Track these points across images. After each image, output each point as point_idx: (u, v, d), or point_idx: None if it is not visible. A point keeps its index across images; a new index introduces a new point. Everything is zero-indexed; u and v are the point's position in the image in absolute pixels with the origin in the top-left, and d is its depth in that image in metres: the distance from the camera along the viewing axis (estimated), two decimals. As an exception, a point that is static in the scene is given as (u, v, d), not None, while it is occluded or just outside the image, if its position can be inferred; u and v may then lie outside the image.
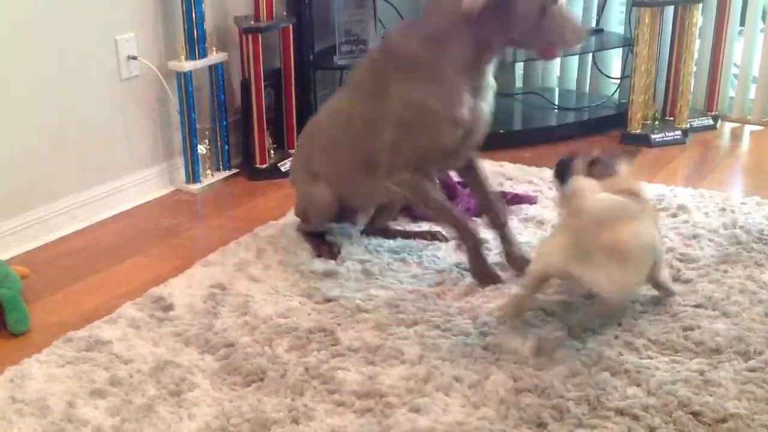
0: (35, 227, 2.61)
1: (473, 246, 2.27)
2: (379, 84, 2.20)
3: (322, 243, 2.48)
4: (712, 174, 3.07)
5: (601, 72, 3.82)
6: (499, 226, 2.35)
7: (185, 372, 1.90)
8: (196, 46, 2.91)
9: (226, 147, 3.12)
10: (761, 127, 3.57)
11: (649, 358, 1.91)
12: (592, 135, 3.47)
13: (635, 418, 1.70)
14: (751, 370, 1.84)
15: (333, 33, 3.37)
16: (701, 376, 1.82)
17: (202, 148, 3.03)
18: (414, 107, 2.15)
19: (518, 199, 2.75)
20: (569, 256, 1.87)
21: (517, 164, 3.11)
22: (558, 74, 3.99)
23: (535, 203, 2.76)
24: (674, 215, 2.63)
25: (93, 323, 2.11)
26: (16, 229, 2.56)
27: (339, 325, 2.07)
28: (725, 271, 2.27)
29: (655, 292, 2.14)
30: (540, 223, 2.62)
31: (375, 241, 2.51)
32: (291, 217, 2.70)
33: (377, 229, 2.56)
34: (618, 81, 3.75)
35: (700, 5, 3.34)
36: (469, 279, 2.29)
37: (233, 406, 1.78)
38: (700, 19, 3.39)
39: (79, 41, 2.67)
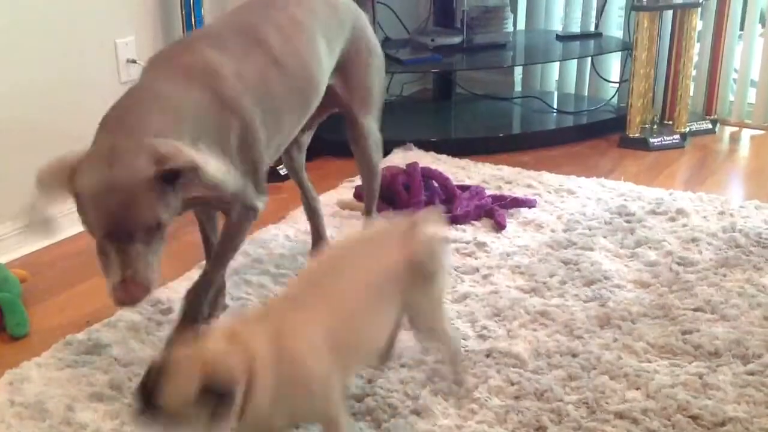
0: (34, 230, 2.60)
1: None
2: None
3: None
4: (711, 178, 3.08)
5: (600, 76, 3.83)
6: None
7: (184, 375, 1.89)
8: (195, 50, 2.91)
9: (226, 150, 3.12)
10: (760, 131, 3.58)
11: (648, 361, 1.91)
12: (591, 139, 3.47)
13: (634, 421, 1.70)
14: (750, 373, 1.84)
15: (332, 37, 3.37)
16: (700, 379, 1.83)
17: (201, 152, 3.03)
18: None
19: (517, 203, 2.75)
20: None
21: (516, 168, 3.12)
22: (557, 78, 4.00)
23: (533, 207, 2.76)
24: (673, 219, 2.64)
25: (92, 326, 2.11)
26: (16, 232, 2.55)
27: (338, 328, 2.07)
28: (724, 275, 2.27)
29: (653, 297, 2.15)
30: (539, 226, 2.63)
31: (374, 244, 2.51)
32: (289, 221, 2.71)
33: None
34: (617, 85, 3.76)
35: (699, 9, 3.34)
36: (469, 282, 2.29)
37: (232, 409, 1.77)
38: (699, 23, 3.40)
39: (79, 44, 2.67)
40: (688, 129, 3.47)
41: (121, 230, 1.58)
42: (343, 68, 2.17)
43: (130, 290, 1.60)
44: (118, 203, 1.55)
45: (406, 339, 2.02)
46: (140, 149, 1.57)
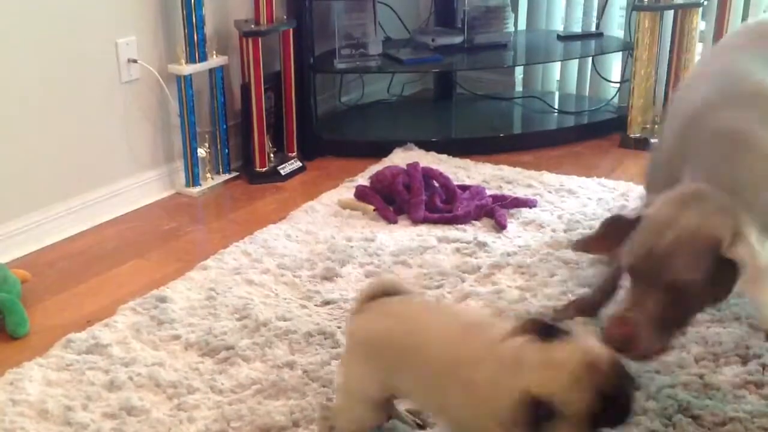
0: (35, 230, 2.60)
1: None
2: None
3: None
4: (712, 178, 3.07)
5: (601, 76, 3.82)
6: None
7: (185, 375, 1.90)
8: (196, 50, 2.91)
9: (226, 150, 3.12)
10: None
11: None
12: (592, 139, 3.47)
13: (635, 421, 1.70)
14: (751, 373, 1.84)
15: (333, 37, 3.37)
16: (701, 379, 1.82)
17: (202, 152, 3.03)
18: None
19: (518, 203, 2.75)
20: None
21: (516, 168, 3.11)
22: (558, 78, 4.00)
23: (534, 206, 2.76)
24: (674, 219, 2.63)
25: (93, 326, 2.10)
26: (17, 232, 2.56)
27: (339, 327, 2.07)
28: (725, 275, 2.27)
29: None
30: (539, 226, 2.62)
31: (375, 243, 2.51)
32: (290, 220, 2.71)
33: None
34: (618, 85, 3.75)
35: (701, 9, 3.34)
36: (469, 282, 2.29)
37: (233, 409, 1.78)
38: (700, 23, 3.39)
39: (80, 44, 2.67)
40: (689, 129, 3.46)
41: (645, 272, 1.49)
42: None
43: (615, 330, 1.49)
44: (663, 246, 1.46)
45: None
46: (723, 213, 1.46)
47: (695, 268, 1.44)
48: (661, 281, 1.46)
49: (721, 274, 1.43)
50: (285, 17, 3.18)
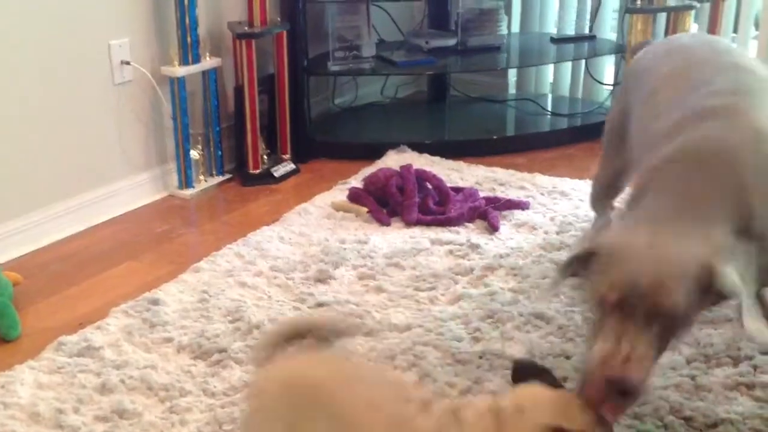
0: (27, 232, 2.60)
1: None
2: None
3: None
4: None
5: (594, 78, 3.83)
6: None
7: (177, 378, 1.89)
8: (189, 52, 2.91)
9: (219, 152, 3.12)
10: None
11: (641, 363, 1.91)
12: (585, 141, 3.47)
13: (627, 424, 1.70)
14: (742, 374, 1.85)
15: (327, 39, 3.38)
16: (692, 381, 1.83)
17: (195, 154, 3.03)
18: None
19: (510, 205, 2.76)
20: None
21: (509, 170, 3.12)
22: (551, 80, 4.01)
23: (527, 208, 2.77)
24: (666, 221, 2.64)
25: (85, 329, 2.10)
26: (9, 234, 2.55)
27: (331, 330, 2.07)
28: (717, 277, 2.27)
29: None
30: (532, 228, 2.63)
31: (368, 245, 2.51)
32: (283, 222, 2.71)
33: None
34: (611, 87, 3.76)
35: (693, 12, 3.35)
36: (462, 284, 2.29)
37: (225, 412, 1.77)
38: (693, 25, 3.40)
39: (73, 46, 2.66)
40: (681, 131, 3.46)
41: (634, 305, 1.39)
42: None
43: (624, 370, 1.37)
44: (650, 277, 1.37)
45: (401, 341, 2.02)
46: (702, 243, 1.40)
47: (685, 295, 1.38)
48: (653, 311, 1.37)
49: (710, 292, 1.39)
50: (279, 19, 3.18)
